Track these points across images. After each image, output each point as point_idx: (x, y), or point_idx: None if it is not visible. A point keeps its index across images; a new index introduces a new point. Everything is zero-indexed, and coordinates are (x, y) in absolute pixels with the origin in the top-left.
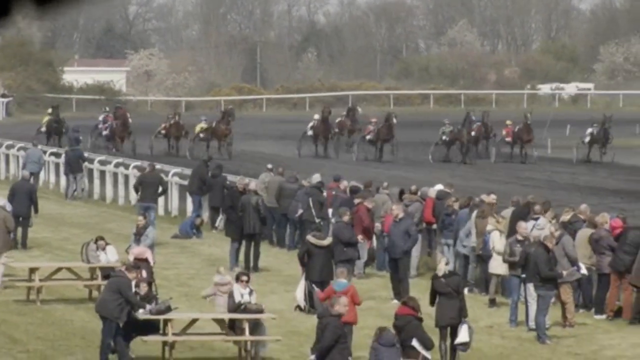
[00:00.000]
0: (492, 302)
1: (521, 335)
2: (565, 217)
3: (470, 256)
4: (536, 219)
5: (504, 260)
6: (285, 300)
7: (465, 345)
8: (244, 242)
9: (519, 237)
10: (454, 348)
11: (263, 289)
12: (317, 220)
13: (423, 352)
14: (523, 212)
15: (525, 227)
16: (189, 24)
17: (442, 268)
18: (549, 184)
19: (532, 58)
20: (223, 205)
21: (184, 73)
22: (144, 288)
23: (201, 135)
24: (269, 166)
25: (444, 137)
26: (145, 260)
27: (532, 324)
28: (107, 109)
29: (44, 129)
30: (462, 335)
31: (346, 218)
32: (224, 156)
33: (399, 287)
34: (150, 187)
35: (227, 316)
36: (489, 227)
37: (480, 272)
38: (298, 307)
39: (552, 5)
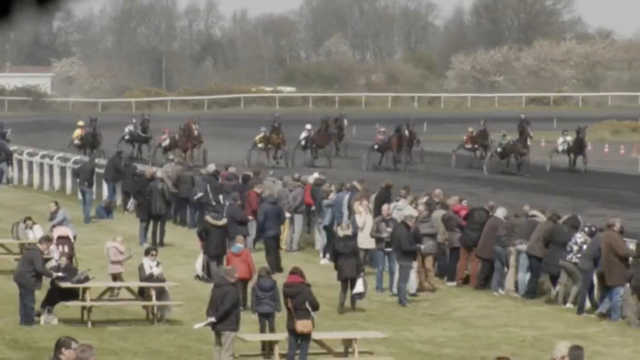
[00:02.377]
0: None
1: (385, 300)
2: (423, 199)
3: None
4: (397, 201)
5: (371, 236)
6: (187, 271)
7: (361, 295)
8: (151, 222)
9: (383, 217)
10: (352, 297)
11: (168, 261)
12: (213, 203)
13: (313, 314)
14: (385, 195)
15: (387, 208)
16: (104, 36)
17: (341, 233)
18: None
19: (395, 66)
20: (133, 191)
21: (100, 78)
22: (64, 261)
23: (259, 145)
24: (171, 157)
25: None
26: (67, 237)
27: (395, 289)
28: (134, 120)
29: None
30: (358, 287)
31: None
32: (281, 165)
33: (275, 260)
34: (86, 174)
35: (137, 284)
36: (356, 209)
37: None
38: (197, 276)
39: (411, 21)
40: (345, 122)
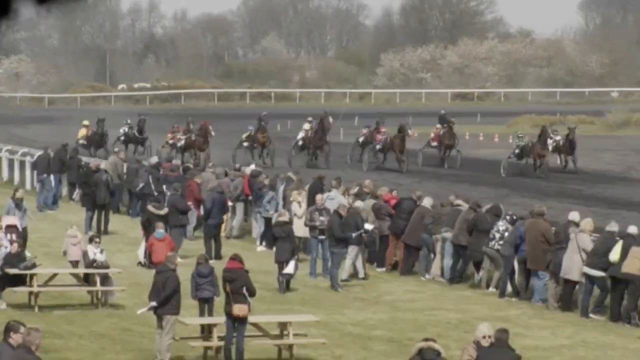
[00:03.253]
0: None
1: (318, 285)
2: (354, 190)
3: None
4: (329, 191)
5: (305, 225)
6: (130, 258)
7: (290, 276)
8: (96, 211)
9: (317, 207)
10: (283, 277)
11: (112, 248)
12: (155, 194)
13: (249, 299)
14: (318, 186)
15: (320, 198)
16: (51, 34)
17: (279, 219)
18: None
19: (328, 63)
20: (79, 181)
21: (47, 74)
22: (15, 248)
23: (244, 144)
24: (116, 149)
25: (360, 139)
26: (15, 226)
27: (327, 275)
28: (129, 120)
29: None
30: (289, 268)
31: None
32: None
33: (215, 247)
34: (44, 165)
35: (82, 271)
36: (291, 198)
37: None
38: (139, 263)
39: (343, 20)
40: (330, 119)
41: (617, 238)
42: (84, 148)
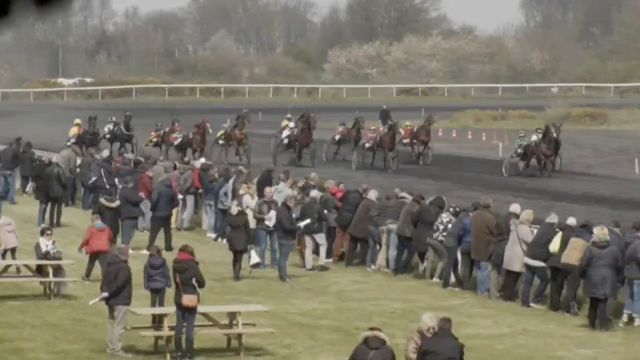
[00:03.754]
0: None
1: (267, 275)
2: (300, 183)
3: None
4: (277, 184)
5: (254, 217)
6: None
7: (258, 265)
8: (49, 204)
9: (265, 199)
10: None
11: (64, 240)
12: (107, 186)
13: (199, 289)
14: (266, 179)
15: (269, 190)
16: (3, 30)
17: (234, 210)
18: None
19: (276, 59)
20: (32, 175)
21: (0, 70)
22: None
23: (220, 141)
24: (68, 143)
25: (337, 137)
26: None
27: (276, 265)
28: (114, 118)
29: None
30: (254, 258)
31: (131, 184)
32: (243, 161)
33: (165, 238)
34: (8, 160)
35: (34, 262)
36: (241, 191)
37: None
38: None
39: (291, 18)
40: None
41: (557, 229)
42: (75, 145)
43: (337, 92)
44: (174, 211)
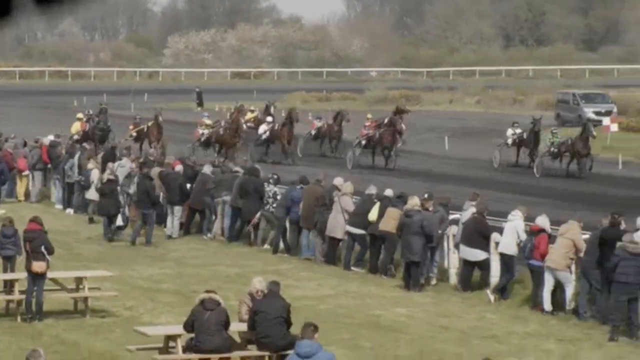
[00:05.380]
0: (90, 221)
1: (112, 244)
2: (141, 159)
3: (75, 185)
4: (121, 160)
5: (96, 190)
6: None
7: (123, 227)
8: None
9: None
10: (115, 230)
11: None
12: None
13: (48, 257)
14: (110, 155)
15: (111, 166)
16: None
17: (105, 177)
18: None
19: (120, 45)
20: None
21: None
22: None
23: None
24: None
25: (313, 132)
26: None
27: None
28: (90, 111)
29: None
30: (119, 221)
31: None
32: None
33: None
34: None
35: None
36: (89, 166)
37: (82, 198)
38: None
39: (133, 7)
40: (272, 108)
41: (375, 200)
42: (78, 143)
43: (176, 75)
44: (24, 184)
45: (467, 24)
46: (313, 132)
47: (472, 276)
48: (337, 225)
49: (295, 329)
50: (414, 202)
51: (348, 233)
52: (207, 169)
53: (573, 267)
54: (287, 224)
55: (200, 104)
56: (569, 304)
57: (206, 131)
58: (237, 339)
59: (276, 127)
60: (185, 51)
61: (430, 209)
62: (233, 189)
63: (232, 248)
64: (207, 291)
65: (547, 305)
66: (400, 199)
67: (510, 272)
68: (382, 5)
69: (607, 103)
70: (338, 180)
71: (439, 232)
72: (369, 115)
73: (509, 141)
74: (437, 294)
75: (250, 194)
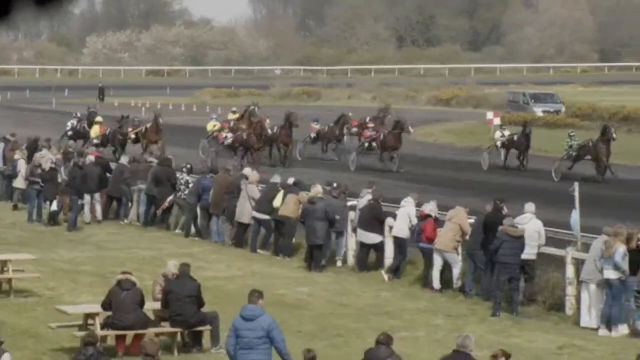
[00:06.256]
0: (14, 208)
1: (36, 229)
2: (62, 150)
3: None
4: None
5: (26, 179)
6: None
7: (57, 212)
8: None
9: (36, 163)
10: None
11: None
12: None
13: None
14: (33, 146)
15: (38, 156)
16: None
17: (47, 166)
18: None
19: (42, 45)
20: None
21: None
22: None
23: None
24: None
25: (312, 136)
26: None
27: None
28: (79, 114)
29: None
30: (54, 206)
31: None
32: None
33: None
34: None
35: None
36: (16, 156)
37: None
38: None
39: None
40: (257, 109)
41: (280, 188)
42: (96, 147)
43: (95, 73)
44: None
45: (364, 26)
46: (313, 136)
47: (369, 258)
48: (245, 211)
49: (207, 308)
50: (317, 190)
51: (254, 218)
52: (124, 160)
53: (460, 249)
54: (199, 210)
55: (102, 98)
56: (457, 283)
57: (230, 134)
58: (152, 317)
59: (275, 130)
60: (103, 50)
61: (336, 196)
62: (148, 178)
63: (147, 233)
64: (124, 272)
65: (437, 284)
66: (297, 186)
67: (403, 254)
68: (286, 9)
69: (555, 103)
70: (247, 170)
71: (337, 217)
72: (368, 119)
73: (499, 144)
74: (336, 275)
75: (164, 183)
